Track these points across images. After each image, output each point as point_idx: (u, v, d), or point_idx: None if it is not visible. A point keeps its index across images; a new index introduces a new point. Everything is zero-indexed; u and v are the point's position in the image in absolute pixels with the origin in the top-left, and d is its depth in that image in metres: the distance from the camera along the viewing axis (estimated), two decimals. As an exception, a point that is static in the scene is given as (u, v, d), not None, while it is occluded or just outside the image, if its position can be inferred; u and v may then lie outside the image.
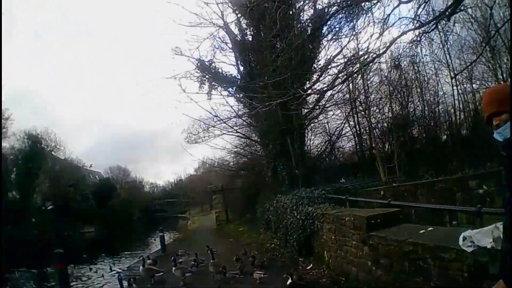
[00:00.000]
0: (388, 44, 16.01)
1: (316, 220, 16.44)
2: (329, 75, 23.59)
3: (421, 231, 9.23)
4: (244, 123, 32.15)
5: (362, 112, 34.19)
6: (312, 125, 32.59)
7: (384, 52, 17.28)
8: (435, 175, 25.15)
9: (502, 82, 27.01)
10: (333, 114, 34.15)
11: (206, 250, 18.87)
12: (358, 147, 37.40)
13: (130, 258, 32.31)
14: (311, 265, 16.09)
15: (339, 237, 13.43)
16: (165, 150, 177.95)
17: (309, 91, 26.03)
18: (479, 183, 19.65)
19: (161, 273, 16.39)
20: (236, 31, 30.30)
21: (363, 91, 31.86)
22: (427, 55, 33.47)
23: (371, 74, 32.46)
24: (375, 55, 17.08)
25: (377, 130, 35.54)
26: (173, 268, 15.80)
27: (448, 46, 32.23)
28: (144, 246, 41.99)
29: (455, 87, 32.23)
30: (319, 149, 33.66)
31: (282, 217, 21.00)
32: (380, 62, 29.80)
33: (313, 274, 14.96)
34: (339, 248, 13.53)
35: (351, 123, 35.79)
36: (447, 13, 14.98)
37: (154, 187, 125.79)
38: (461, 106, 32.91)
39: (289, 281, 12.53)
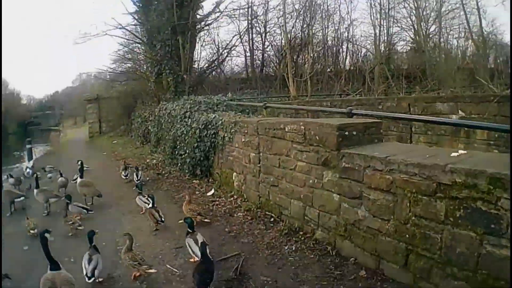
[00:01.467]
0: None
1: (222, 130, 11.03)
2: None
3: (455, 154, 4.91)
4: (132, 21, 24.29)
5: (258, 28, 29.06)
6: (202, 33, 25.86)
7: None
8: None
9: None
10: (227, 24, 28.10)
11: (77, 165, 13.12)
12: (250, 63, 31.20)
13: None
14: (213, 191, 10.90)
15: (269, 155, 8.37)
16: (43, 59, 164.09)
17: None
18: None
19: (22, 198, 10.93)
20: None
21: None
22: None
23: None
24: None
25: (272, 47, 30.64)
26: (35, 191, 10.53)
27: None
28: (16, 160, 33.61)
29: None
30: (207, 61, 27.11)
31: (167, 127, 16.16)
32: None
33: (219, 205, 9.74)
34: (267, 172, 8.47)
35: (245, 38, 29.61)
36: None
37: (31, 99, 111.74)
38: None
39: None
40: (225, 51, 25.28)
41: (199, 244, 5.72)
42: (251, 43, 30.02)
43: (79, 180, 11.27)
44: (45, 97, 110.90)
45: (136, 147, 22.55)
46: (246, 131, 9.39)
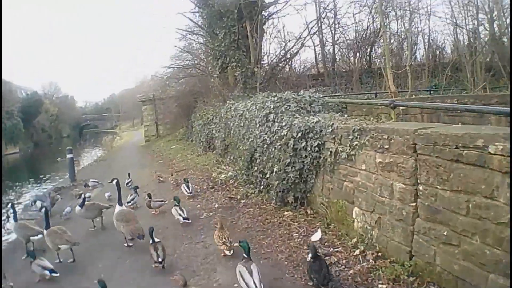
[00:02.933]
0: None
1: (333, 142, 7.44)
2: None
3: None
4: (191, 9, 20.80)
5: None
6: (268, 23, 22.08)
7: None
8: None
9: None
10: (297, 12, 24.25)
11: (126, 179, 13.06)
12: (321, 57, 27.17)
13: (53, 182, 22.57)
14: (319, 234, 7.32)
15: (441, 190, 4.89)
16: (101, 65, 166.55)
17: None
18: None
19: (39, 236, 7.94)
20: None
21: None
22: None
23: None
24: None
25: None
26: (45, 232, 7.55)
27: None
28: (56, 169, 30.94)
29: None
30: (275, 55, 23.34)
31: (239, 133, 12.84)
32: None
33: (339, 263, 6.20)
34: (435, 219, 5.04)
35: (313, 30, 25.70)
36: None
37: (87, 102, 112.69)
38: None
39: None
40: (298, 42, 21.43)
41: (253, 276, 5.05)
42: (321, 35, 26.03)
43: (117, 208, 8.32)
44: (101, 100, 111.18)
45: (198, 154, 19.39)
46: (386, 146, 5.72)
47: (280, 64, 20.12)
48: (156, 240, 6.87)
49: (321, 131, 7.78)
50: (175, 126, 29.62)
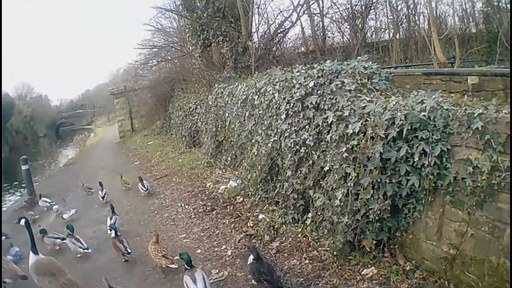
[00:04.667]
0: None
1: (469, 146, 3.72)
2: None
3: None
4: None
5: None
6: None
7: None
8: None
9: None
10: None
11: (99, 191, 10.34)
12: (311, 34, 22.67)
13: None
14: None
15: None
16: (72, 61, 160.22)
17: None
18: None
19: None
20: None
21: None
22: None
23: None
24: None
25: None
26: None
27: None
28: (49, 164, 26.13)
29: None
30: (266, 26, 18.78)
31: (242, 127, 8.97)
32: None
33: None
34: None
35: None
36: None
37: (62, 100, 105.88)
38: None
39: None
40: (296, 9, 16.86)
41: (197, 284, 4.61)
42: (308, 9, 21.36)
43: (32, 258, 5.44)
44: (76, 97, 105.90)
45: (181, 151, 15.13)
46: None
47: (276, 38, 15.62)
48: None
49: (445, 126, 3.83)
50: (151, 119, 25.22)
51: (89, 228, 8.13)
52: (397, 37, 19.07)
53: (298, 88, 5.95)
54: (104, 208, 9.15)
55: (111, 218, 7.66)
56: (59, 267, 5.39)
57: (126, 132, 27.84)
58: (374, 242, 4.70)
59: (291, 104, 6.09)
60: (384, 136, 4.32)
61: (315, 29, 20.95)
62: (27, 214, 9.48)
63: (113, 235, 6.42)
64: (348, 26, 21.04)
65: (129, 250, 6.14)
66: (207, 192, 8.92)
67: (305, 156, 5.83)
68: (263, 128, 7.15)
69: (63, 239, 6.96)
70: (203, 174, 10.60)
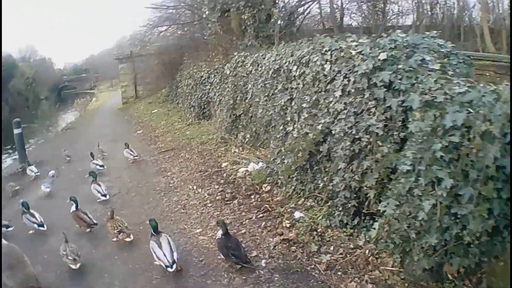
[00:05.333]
0: None
1: None
2: None
3: None
4: None
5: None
6: None
7: None
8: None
9: None
10: None
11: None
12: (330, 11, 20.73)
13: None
14: None
15: None
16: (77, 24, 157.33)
17: None
18: None
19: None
20: None
21: None
22: None
23: None
24: None
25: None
26: None
27: None
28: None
29: None
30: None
31: (268, 102, 7.63)
32: None
33: None
34: None
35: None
36: None
37: (66, 64, 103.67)
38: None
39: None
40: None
41: (162, 248, 4.52)
42: None
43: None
44: (80, 62, 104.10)
45: (188, 123, 13.79)
46: None
47: (300, 9, 13.96)
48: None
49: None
50: (157, 86, 23.65)
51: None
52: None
53: (363, 61, 4.49)
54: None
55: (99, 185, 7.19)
56: (19, 257, 4.54)
57: (129, 99, 26.55)
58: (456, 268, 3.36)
59: (351, 80, 4.63)
60: (500, 136, 2.91)
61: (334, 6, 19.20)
62: (8, 185, 8.32)
63: (73, 208, 5.94)
64: (369, 6, 19.43)
65: (95, 221, 5.89)
66: (224, 175, 7.49)
67: (368, 146, 4.40)
68: (305, 105, 5.66)
69: (41, 225, 5.99)
70: (216, 151, 9.20)
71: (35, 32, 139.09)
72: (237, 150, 8.75)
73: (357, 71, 4.57)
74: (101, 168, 9.08)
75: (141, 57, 25.19)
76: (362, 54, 4.64)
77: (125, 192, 7.32)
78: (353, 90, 4.63)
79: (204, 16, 13.91)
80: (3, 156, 15.34)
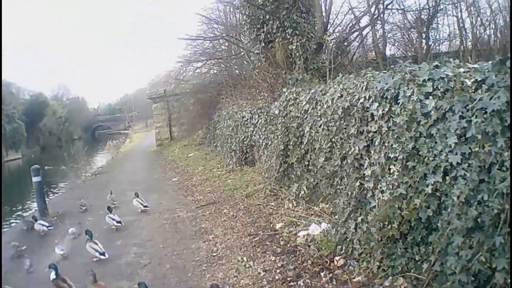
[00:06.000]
0: None
1: None
2: None
3: None
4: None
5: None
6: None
7: None
8: None
9: None
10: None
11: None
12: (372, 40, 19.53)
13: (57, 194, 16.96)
14: None
15: None
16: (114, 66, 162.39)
17: None
18: None
19: None
20: None
21: None
22: None
23: None
24: None
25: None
26: None
27: None
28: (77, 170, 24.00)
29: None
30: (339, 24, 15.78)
31: (335, 146, 6.14)
32: None
33: None
34: None
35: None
36: None
37: (100, 103, 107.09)
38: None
39: None
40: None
41: None
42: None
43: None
44: (114, 101, 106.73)
45: (229, 169, 12.62)
46: None
47: (351, 37, 12.75)
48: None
49: None
50: (193, 127, 22.98)
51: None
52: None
53: (490, 92, 3.17)
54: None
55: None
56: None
57: (163, 141, 26.00)
58: None
59: (474, 121, 3.31)
60: None
61: (376, 34, 17.92)
62: (11, 245, 7.28)
63: (53, 276, 5.31)
64: (416, 34, 18.19)
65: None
66: (280, 240, 6.14)
67: (501, 215, 3.04)
68: (394, 155, 4.31)
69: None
70: (266, 207, 7.88)
71: (68, 69, 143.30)
72: (290, 206, 7.46)
73: (482, 108, 3.26)
74: (119, 224, 7.98)
75: (176, 96, 24.66)
76: (484, 83, 3.35)
77: (158, 264, 6.04)
78: (478, 136, 3.30)
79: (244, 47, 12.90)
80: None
